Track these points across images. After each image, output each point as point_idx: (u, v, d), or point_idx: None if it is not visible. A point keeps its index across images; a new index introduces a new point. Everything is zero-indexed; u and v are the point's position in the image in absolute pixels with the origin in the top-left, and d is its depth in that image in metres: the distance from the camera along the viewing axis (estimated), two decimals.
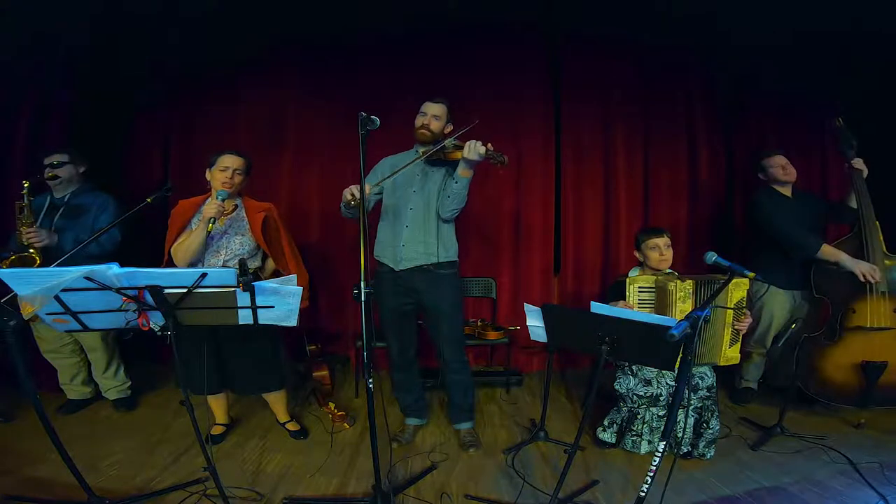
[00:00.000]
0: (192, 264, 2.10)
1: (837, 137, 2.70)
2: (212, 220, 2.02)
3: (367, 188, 2.05)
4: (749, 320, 2.19)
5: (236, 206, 2.27)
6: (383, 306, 2.37)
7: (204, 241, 2.09)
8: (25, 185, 2.35)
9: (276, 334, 2.34)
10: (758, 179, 2.90)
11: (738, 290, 2.13)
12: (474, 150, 2.03)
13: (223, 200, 2.07)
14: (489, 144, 2.04)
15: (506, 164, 2.05)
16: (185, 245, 2.09)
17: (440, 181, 2.27)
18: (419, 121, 2.26)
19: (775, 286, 2.74)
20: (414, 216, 2.27)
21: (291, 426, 2.53)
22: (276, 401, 2.50)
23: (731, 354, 2.19)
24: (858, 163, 2.61)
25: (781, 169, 2.74)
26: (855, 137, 2.65)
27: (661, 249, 2.35)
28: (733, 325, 2.15)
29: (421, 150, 2.26)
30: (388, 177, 2.20)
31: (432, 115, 2.25)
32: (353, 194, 2.07)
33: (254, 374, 2.30)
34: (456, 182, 2.16)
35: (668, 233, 2.40)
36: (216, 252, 2.17)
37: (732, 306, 2.13)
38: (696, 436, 2.24)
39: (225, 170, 2.17)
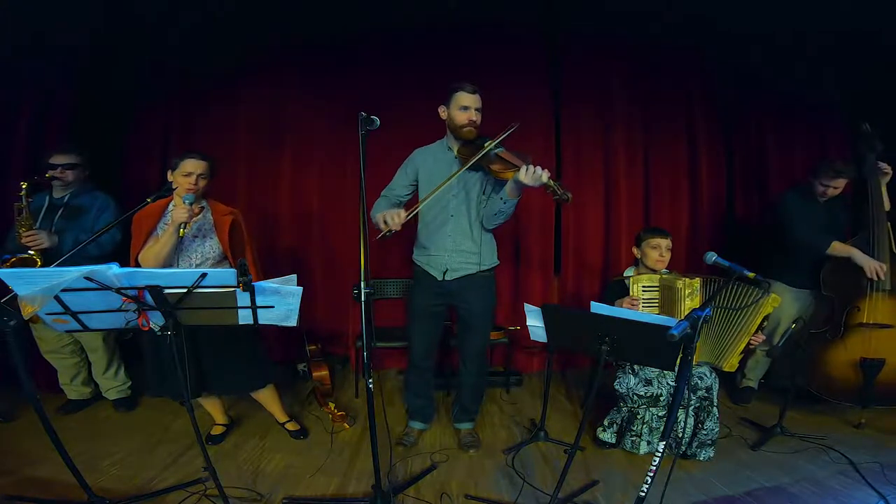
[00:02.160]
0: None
1: (862, 141, 2.67)
2: (182, 224, 1.97)
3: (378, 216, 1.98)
4: (762, 338, 2.19)
5: (203, 207, 2.20)
6: (415, 306, 2.33)
7: (175, 246, 2.04)
8: (24, 187, 2.31)
9: (253, 333, 2.26)
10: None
11: (768, 306, 2.11)
12: (534, 177, 1.86)
13: (191, 204, 2.00)
14: (549, 172, 1.89)
15: (569, 202, 1.92)
16: (154, 251, 2.03)
17: (479, 185, 2.18)
18: (462, 117, 2.09)
19: (786, 285, 2.76)
20: (456, 224, 2.19)
21: (291, 426, 2.52)
22: (268, 400, 2.47)
23: (735, 362, 2.18)
24: (885, 167, 2.58)
25: (824, 188, 2.65)
26: (880, 142, 2.63)
27: (661, 250, 2.36)
28: (751, 337, 2.14)
29: (456, 147, 2.17)
30: (429, 196, 2.06)
31: (475, 108, 2.10)
32: (385, 222, 1.96)
33: (230, 375, 2.22)
34: (504, 202, 2.06)
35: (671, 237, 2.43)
36: (188, 256, 2.13)
37: (758, 324, 2.12)
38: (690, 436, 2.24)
39: (188, 175, 2.09)
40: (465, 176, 2.17)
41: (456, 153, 2.17)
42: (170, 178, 2.15)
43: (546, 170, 1.89)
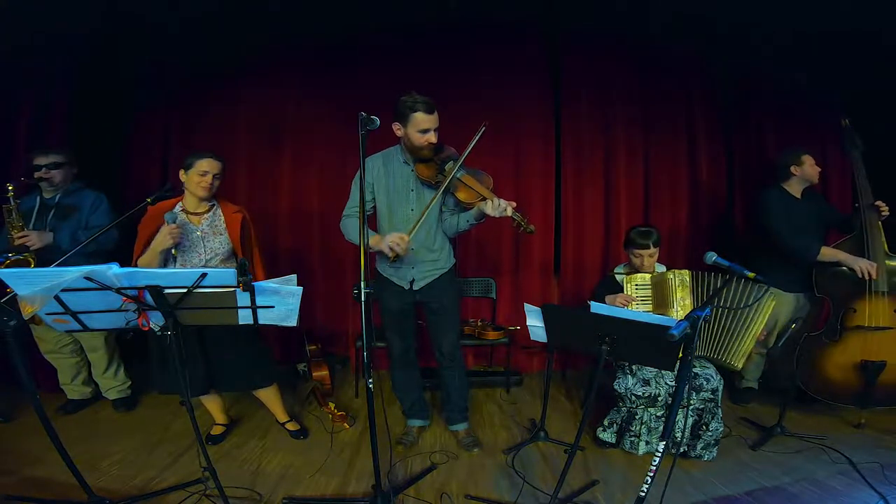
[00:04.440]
0: None
1: (843, 137, 2.69)
2: (172, 247, 2.03)
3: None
4: (765, 334, 2.26)
5: (213, 205, 2.26)
6: (385, 306, 2.35)
7: (164, 262, 2.09)
8: (10, 188, 2.29)
9: (258, 332, 2.29)
10: (764, 177, 2.87)
11: (769, 305, 2.19)
12: (500, 210, 1.91)
13: (174, 222, 2.03)
14: (514, 204, 1.93)
15: (533, 233, 1.99)
16: (144, 261, 2.07)
17: (439, 199, 2.16)
18: (422, 139, 2.04)
19: (778, 289, 2.73)
20: (418, 237, 2.18)
21: (291, 426, 2.53)
22: (270, 399, 2.48)
23: (742, 359, 2.22)
24: (882, 205, 2.54)
25: (813, 168, 2.68)
26: (860, 138, 2.65)
27: (643, 259, 2.41)
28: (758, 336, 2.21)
29: (413, 162, 2.15)
30: (419, 221, 2.10)
31: (434, 129, 2.05)
32: (392, 249, 2.03)
33: (236, 372, 2.25)
34: (470, 224, 2.12)
35: (656, 238, 2.40)
36: (197, 252, 2.16)
37: (763, 323, 2.18)
38: (692, 437, 2.24)
39: (204, 174, 2.13)
40: (425, 191, 2.17)
41: (413, 168, 2.16)
42: (182, 177, 2.17)
43: (511, 203, 1.93)
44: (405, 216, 2.18)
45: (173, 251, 2.06)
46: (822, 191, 3.46)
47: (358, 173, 2.23)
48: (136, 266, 2.08)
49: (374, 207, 2.27)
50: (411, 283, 2.25)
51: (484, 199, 2.00)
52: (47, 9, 2.86)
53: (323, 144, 3.47)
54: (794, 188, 2.76)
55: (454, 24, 3.37)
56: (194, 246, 2.16)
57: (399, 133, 2.12)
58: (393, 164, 2.21)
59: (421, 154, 2.11)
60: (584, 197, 3.56)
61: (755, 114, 3.58)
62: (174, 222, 2.03)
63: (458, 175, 2.08)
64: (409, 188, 2.19)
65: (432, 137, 2.06)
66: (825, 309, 2.63)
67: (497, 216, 1.95)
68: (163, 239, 2.01)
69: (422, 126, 2.03)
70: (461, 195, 2.07)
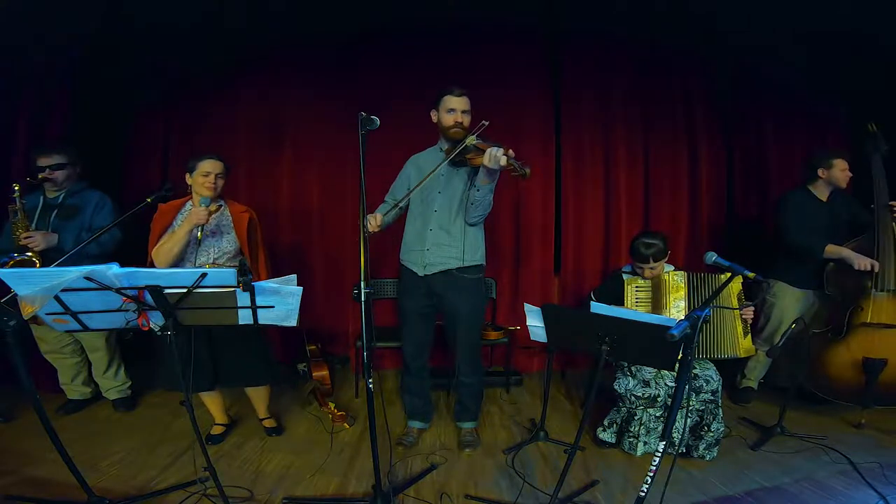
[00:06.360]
0: (174, 266, 2.11)
1: (865, 141, 2.67)
2: (199, 227, 2.05)
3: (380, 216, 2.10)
4: (752, 309, 2.27)
5: (221, 206, 2.29)
6: (403, 306, 2.36)
7: (187, 245, 2.11)
8: (16, 188, 2.30)
9: (262, 331, 2.30)
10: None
11: (735, 283, 2.23)
12: (494, 158, 1.93)
13: (207, 206, 2.08)
14: (510, 152, 1.95)
15: (528, 177, 1.95)
16: (166, 248, 2.09)
17: (465, 182, 2.21)
18: (449, 119, 2.15)
19: (790, 285, 2.77)
20: (439, 219, 2.22)
21: (268, 423, 2.54)
22: (258, 396, 2.50)
23: (747, 345, 2.27)
24: None
25: (843, 173, 2.66)
26: (885, 142, 2.62)
27: (644, 271, 2.39)
28: (742, 316, 2.25)
29: (445, 147, 2.21)
30: (414, 188, 2.16)
31: (462, 110, 2.16)
32: (370, 224, 2.07)
33: (241, 367, 2.28)
34: (478, 190, 2.11)
35: (657, 251, 2.30)
36: (205, 251, 2.18)
37: (736, 304, 2.23)
38: (694, 438, 2.24)
39: (207, 175, 2.17)
40: (452, 173, 2.23)
41: (445, 153, 2.20)
42: (188, 181, 2.21)
43: (506, 152, 1.94)
44: (432, 199, 2.24)
45: (199, 234, 2.06)
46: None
47: (403, 169, 2.36)
48: (154, 256, 2.12)
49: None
50: (424, 268, 2.24)
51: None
52: (48, 9, 2.87)
53: (323, 144, 3.47)
54: (820, 190, 2.75)
55: (454, 24, 3.37)
56: (203, 245, 2.17)
57: (434, 119, 2.23)
58: (430, 155, 2.30)
59: (451, 135, 2.17)
60: (585, 197, 3.56)
61: (755, 113, 3.58)
62: (207, 207, 2.08)
63: (473, 143, 2.07)
64: (440, 172, 2.22)
65: (459, 117, 2.15)
66: (833, 307, 2.64)
67: (493, 167, 1.95)
68: (197, 214, 2.03)
69: (449, 106, 2.16)
70: (469, 155, 2.08)
